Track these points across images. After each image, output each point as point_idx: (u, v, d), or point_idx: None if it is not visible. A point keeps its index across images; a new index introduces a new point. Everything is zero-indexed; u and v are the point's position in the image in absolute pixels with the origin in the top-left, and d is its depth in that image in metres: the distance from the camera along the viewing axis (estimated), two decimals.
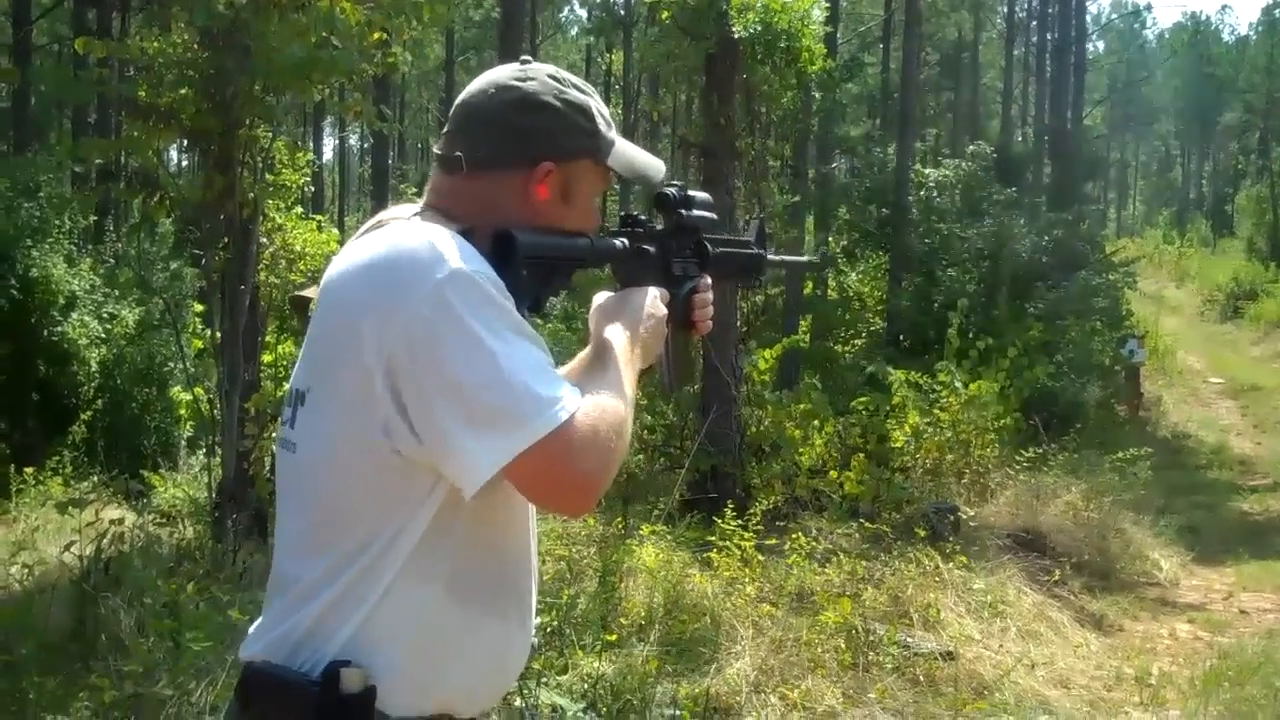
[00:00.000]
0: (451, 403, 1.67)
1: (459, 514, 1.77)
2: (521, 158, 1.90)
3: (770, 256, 2.39)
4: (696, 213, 2.14)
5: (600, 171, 2.00)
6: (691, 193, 2.13)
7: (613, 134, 1.99)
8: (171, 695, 4.23)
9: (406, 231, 1.79)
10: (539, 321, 1.90)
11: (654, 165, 2.07)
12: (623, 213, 2.12)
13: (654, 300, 2.02)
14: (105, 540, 5.98)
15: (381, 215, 1.96)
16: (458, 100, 1.96)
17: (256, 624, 1.91)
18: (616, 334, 1.94)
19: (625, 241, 2.06)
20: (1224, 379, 25.29)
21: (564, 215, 1.95)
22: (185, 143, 8.19)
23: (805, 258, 4.08)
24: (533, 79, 1.92)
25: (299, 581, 1.81)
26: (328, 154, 50.69)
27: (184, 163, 22.89)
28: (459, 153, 1.90)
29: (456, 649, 1.83)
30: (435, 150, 1.97)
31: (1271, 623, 9.06)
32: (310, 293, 1.78)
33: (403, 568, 1.77)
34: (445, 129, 1.97)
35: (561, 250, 1.94)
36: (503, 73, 1.94)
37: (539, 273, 1.88)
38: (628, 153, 2.01)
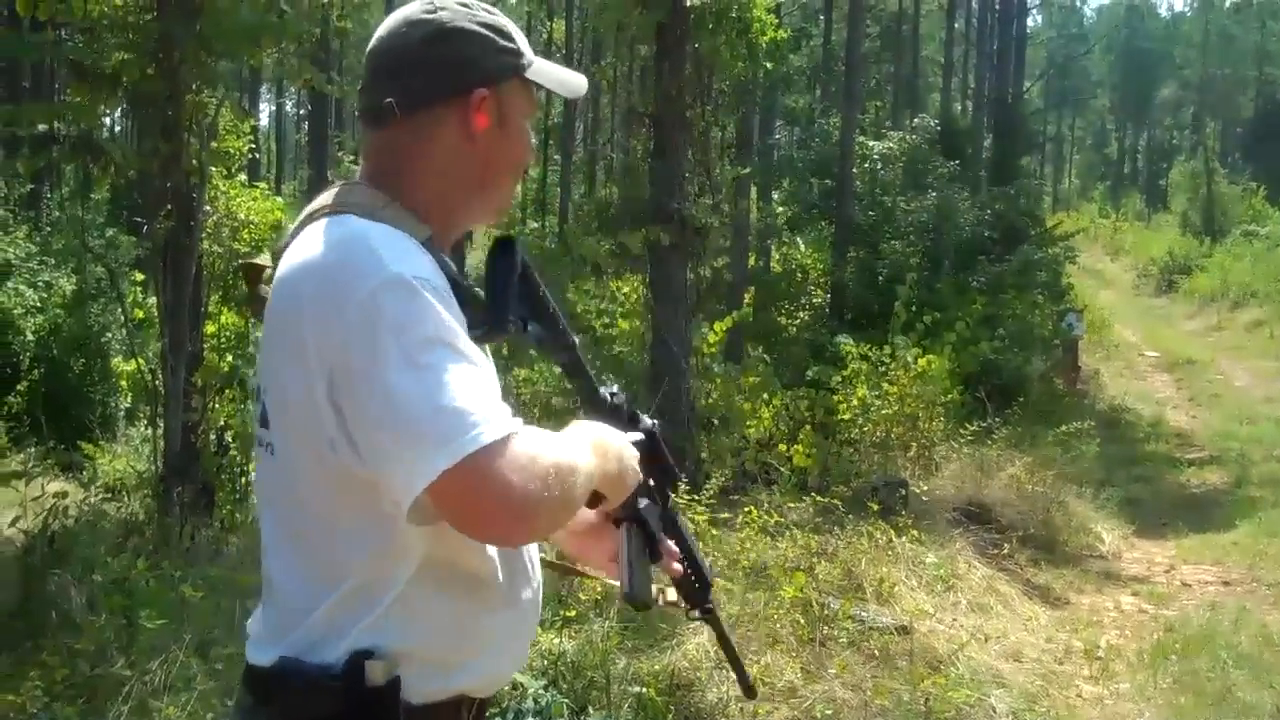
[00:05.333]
0: (382, 418, 1.60)
1: None
2: (453, 89, 1.84)
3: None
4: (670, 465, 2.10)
5: (527, 92, 1.94)
6: (614, 391, 2.04)
7: (530, 53, 1.93)
8: (129, 675, 4.14)
9: (345, 230, 1.73)
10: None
11: (576, 78, 2.02)
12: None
13: (635, 459, 1.93)
14: (49, 515, 5.84)
15: (322, 198, 1.87)
16: (370, 49, 1.88)
17: (257, 624, 1.87)
18: (598, 433, 1.87)
19: (614, 398, 2.02)
20: (1159, 352, 25.61)
21: (503, 144, 1.89)
22: (127, 108, 7.99)
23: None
24: (443, 8, 1.85)
25: (302, 588, 1.77)
26: (264, 120, 50.08)
27: (118, 128, 22.48)
28: (389, 99, 1.82)
29: (474, 636, 1.81)
30: (359, 109, 1.90)
31: (1213, 595, 9.20)
32: (263, 260, 1.71)
33: (415, 571, 1.73)
34: (363, 83, 1.89)
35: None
36: (412, 9, 1.87)
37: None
38: (549, 68, 1.96)
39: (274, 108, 60.31)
